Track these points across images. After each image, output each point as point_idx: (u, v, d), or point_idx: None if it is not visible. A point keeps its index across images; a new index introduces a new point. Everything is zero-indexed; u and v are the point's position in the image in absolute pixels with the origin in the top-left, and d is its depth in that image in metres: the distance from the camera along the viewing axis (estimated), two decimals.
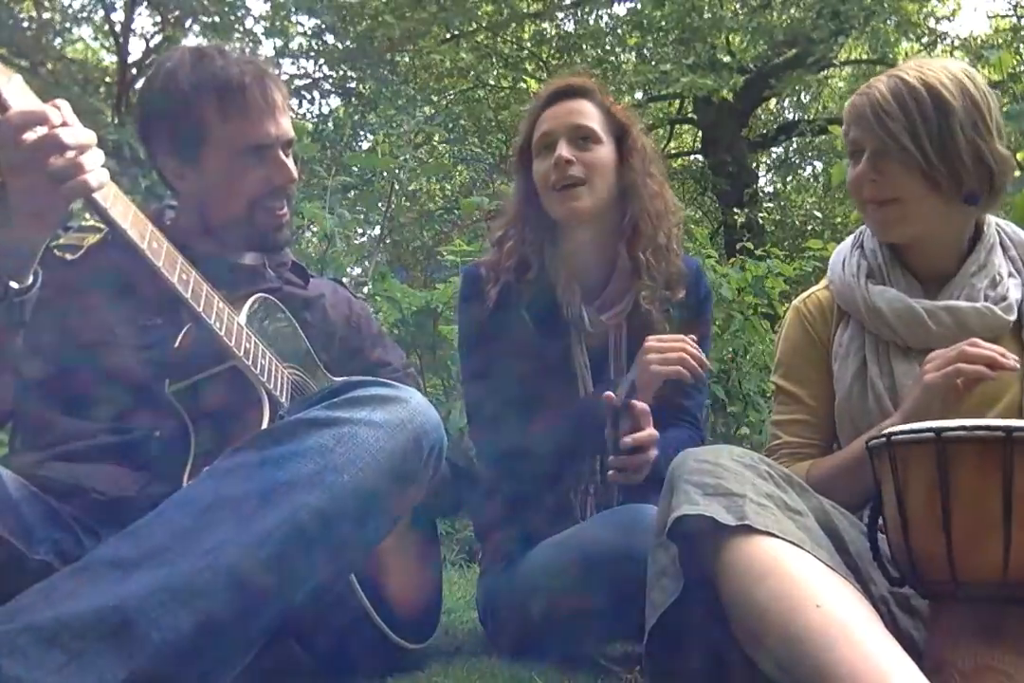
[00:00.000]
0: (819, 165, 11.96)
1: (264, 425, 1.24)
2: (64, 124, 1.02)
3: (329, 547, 1.00)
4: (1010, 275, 1.41)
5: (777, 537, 0.97)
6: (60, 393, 1.31)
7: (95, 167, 1.03)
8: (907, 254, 1.44)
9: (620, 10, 10.01)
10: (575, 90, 1.66)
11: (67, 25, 9.61)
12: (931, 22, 10.21)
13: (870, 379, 1.40)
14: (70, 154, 1.01)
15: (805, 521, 1.03)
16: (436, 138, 9.61)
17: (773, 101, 11.44)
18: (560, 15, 10.50)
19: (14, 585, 0.90)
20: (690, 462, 1.08)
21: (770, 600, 0.93)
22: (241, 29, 8.86)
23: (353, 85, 10.92)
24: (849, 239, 1.54)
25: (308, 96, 10.93)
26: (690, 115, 10.69)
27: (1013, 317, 1.37)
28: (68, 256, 1.36)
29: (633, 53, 10.09)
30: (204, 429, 1.26)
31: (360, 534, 1.05)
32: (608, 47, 10.14)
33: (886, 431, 1.03)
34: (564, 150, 1.58)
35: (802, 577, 0.94)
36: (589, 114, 1.63)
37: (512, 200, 1.71)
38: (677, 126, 11.45)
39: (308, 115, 10.91)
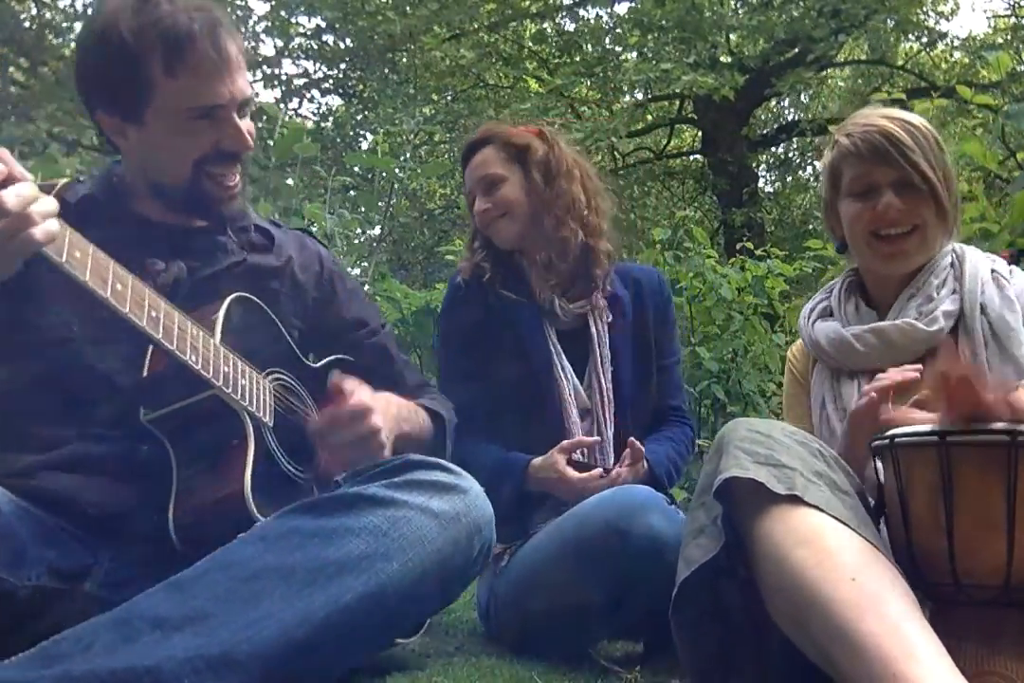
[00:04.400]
0: (819, 165, 11.96)
1: (250, 449, 1.20)
2: (5, 181, 0.96)
3: (366, 634, 1.00)
4: (952, 292, 1.47)
5: (823, 511, 0.97)
6: (31, 397, 1.24)
7: (41, 220, 0.97)
8: (870, 282, 1.57)
9: (621, 9, 10.02)
10: (476, 144, 1.90)
11: (68, 25, 9.62)
12: (930, 22, 10.22)
13: (825, 405, 1.50)
14: (12, 213, 0.95)
15: (852, 501, 1.04)
16: (436, 137, 9.61)
17: (773, 101, 11.44)
18: (561, 14, 10.50)
19: (6, 614, 0.90)
20: (742, 430, 1.09)
21: (805, 568, 0.93)
22: (242, 29, 8.86)
23: (353, 84, 10.92)
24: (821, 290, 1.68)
25: (308, 96, 10.94)
26: (690, 115, 10.69)
27: (937, 327, 1.43)
28: None
29: (634, 52, 10.09)
30: (185, 457, 1.21)
31: (397, 623, 1.05)
32: (609, 46, 10.14)
33: (889, 433, 1.03)
34: (479, 203, 1.85)
35: (841, 549, 0.94)
36: (489, 162, 1.86)
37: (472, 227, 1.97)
38: (677, 126, 11.45)
39: (309, 115, 10.90)
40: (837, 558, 0.93)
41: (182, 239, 1.34)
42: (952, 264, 1.51)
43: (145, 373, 1.22)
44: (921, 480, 0.98)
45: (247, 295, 1.35)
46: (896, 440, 1.01)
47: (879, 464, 1.07)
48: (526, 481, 1.72)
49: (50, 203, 0.99)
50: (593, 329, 1.84)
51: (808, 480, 1.01)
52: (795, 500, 0.98)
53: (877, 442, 1.05)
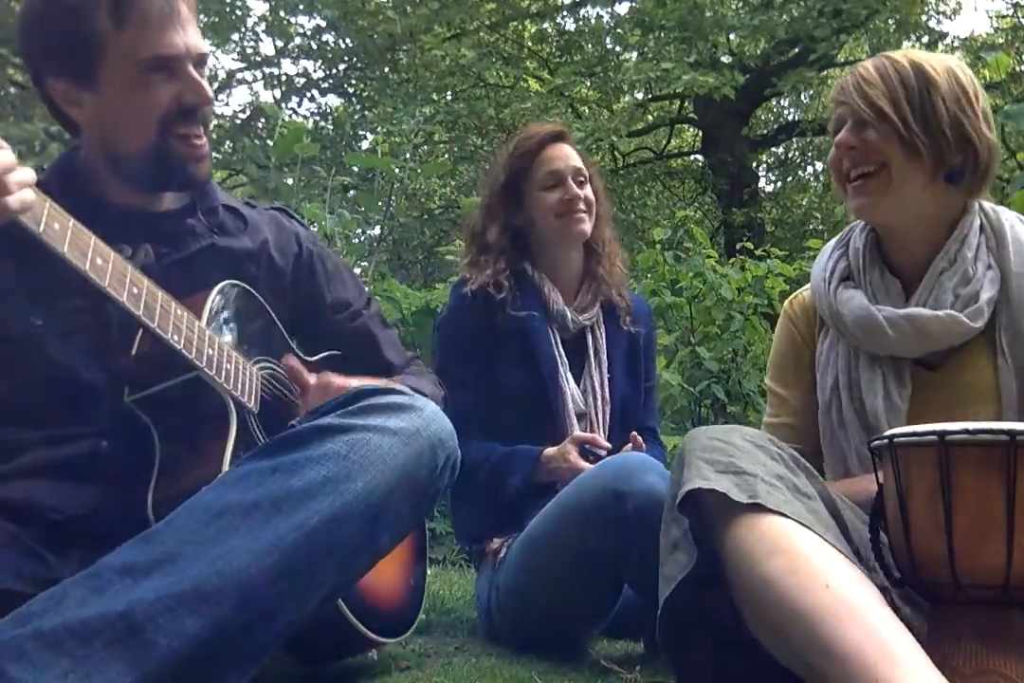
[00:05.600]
0: (819, 165, 11.96)
1: (232, 432, 1.20)
2: None
3: (339, 556, 0.99)
4: (988, 267, 1.33)
5: (787, 517, 0.97)
6: None
7: (17, 189, 0.97)
8: (887, 245, 1.40)
9: (621, 8, 10.02)
10: (561, 135, 1.98)
11: None
12: (932, 21, 10.22)
13: (839, 391, 1.39)
14: None
15: (813, 504, 1.03)
16: (436, 137, 9.61)
17: (773, 101, 11.43)
18: (561, 13, 10.50)
19: None
20: (703, 439, 1.08)
21: (779, 576, 0.93)
22: (242, 29, 8.87)
23: (353, 84, 10.92)
24: (835, 239, 1.49)
25: (308, 95, 10.94)
26: (690, 115, 10.68)
27: (979, 324, 1.30)
28: None
29: (634, 52, 10.08)
30: (167, 439, 1.20)
31: (370, 543, 1.04)
32: (609, 46, 10.14)
33: (888, 433, 1.03)
34: (576, 189, 1.91)
35: (811, 556, 0.94)
36: (579, 158, 1.97)
37: (486, 228, 1.96)
38: (677, 126, 11.44)
39: (308, 114, 10.89)
40: (810, 564, 0.93)
41: (148, 223, 1.31)
42: (983, 227, 1.36)
43: (134, 352, 1.20)
44: (920, 480, 0.98)
45: (236, 282, 1.32)
46: (895, 440, 1.01)
47: (878, 464, 1.07)
48: (537, 469, 1.77)
49: (27, 173, 0.98)
50: (590, 337, 1.95)
51: (770, 485, 1.01)
52: (759, 507, 0.97)
53: (876, 442, 1.05)
